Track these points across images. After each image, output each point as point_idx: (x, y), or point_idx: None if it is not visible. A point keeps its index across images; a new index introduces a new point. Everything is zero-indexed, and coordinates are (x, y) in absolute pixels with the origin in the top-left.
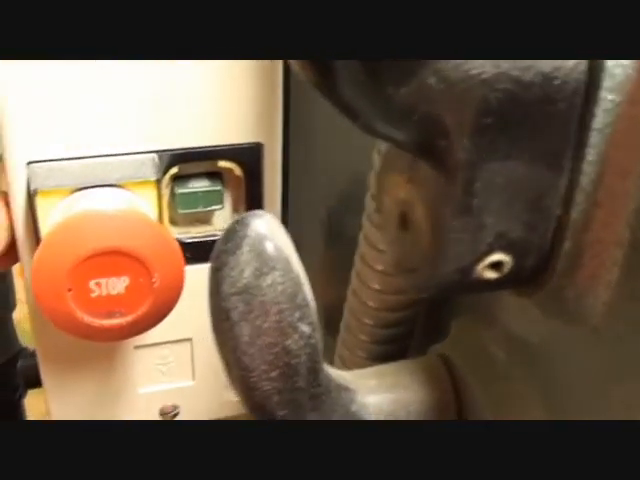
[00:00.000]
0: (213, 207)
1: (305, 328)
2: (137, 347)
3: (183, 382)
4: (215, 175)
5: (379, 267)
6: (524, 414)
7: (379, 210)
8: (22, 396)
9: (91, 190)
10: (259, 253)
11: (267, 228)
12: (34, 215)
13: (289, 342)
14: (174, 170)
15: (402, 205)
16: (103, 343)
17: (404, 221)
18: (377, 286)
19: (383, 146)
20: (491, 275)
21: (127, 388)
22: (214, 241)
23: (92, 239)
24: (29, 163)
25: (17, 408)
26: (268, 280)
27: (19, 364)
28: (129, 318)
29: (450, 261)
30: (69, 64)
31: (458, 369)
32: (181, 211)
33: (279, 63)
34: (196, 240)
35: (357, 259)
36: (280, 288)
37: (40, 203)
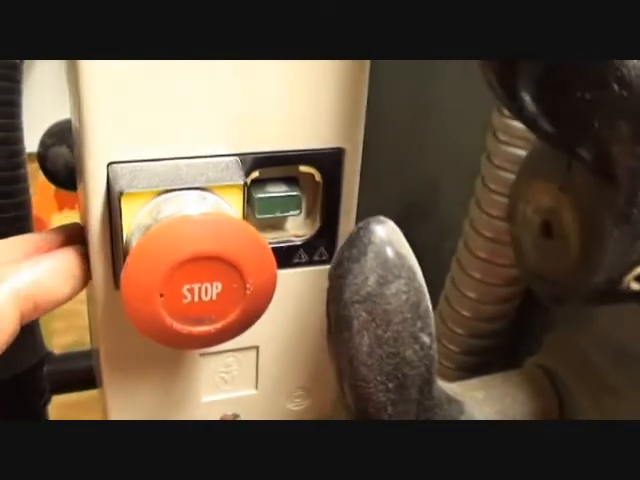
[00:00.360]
0: (291, 213)
1: (426, 339)
2: (203, 354)
3: (246, 391)
4: (291, 180)
5: (477, 275)
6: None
7: (511, 218)
8: (47, 402)
9: (178, 193)
10: (384, 260)
11: (391, 235)
12: (117, 217)
13: (409, 352)
14: (255, 174)
15: (546, 213)
16: (169, 350)
17: (546, 230)
18: (474, 295)
19: (504, 150)
20: (636, 287)
21: (190, 396)
22: (288, 247)
23: (188, 244)
24: (110, 164)
25: (41, 414)
26: (392, 288)
27: (45, 369)
28: (218, 325)
29: (603, 271)
30: (152, 63)
31: (562, 381)
32: (259, 216)
33: (366, 67)
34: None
35: (454, 266)
36: (404, 297)
37: (126, 205)
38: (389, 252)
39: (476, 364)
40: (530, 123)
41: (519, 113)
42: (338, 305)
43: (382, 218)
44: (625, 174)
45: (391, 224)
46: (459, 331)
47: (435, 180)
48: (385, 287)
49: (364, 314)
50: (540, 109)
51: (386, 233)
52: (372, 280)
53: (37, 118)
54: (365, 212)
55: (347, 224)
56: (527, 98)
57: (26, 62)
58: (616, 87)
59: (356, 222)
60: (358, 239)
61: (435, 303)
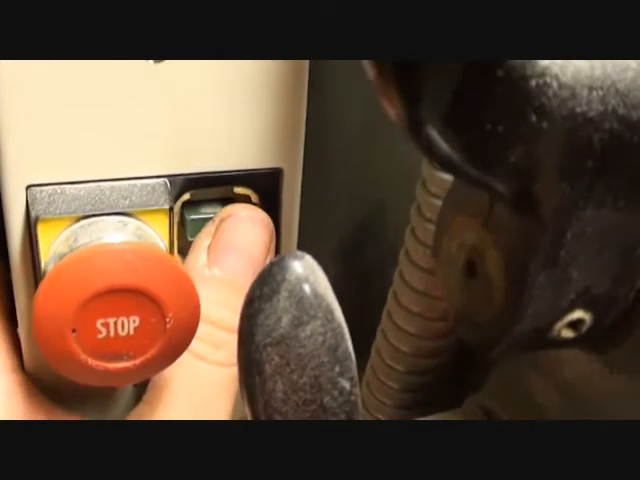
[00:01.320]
0: None
1: (345, 384)
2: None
3: None
4: (227, 201)
5: (415, 309)
6: None
7: (436, 253)
8: None
9: (97, 219)
10: (299, 300)
11: (308, 271)
12: (35, 245)
13: (328, 399)
14: (186, 196)
15: (470, 251)
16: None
17: (471, 268)
18: (412, 329)
19: (435, 178)
20: (568, 334)
21: None
22: None
23: (101, 275)
24: (29, 187)
25: None
26: (307, 330)
27: None
28: (137, 361)
29: (528, 319)
30: (73, 76)
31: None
32: (192, 239)
33: (304, 81)
34: None
35: (390, 299)
36: (320, 339)
37: (42, 232)
38: (305, 290)
39: (416, 401)
40: (441, 161)
41: (428, 151)
42: (249, 348)
43: (299, 253)
44: (550, 214)
45: (308, 259)
46: (397, 367)
47: (383, 202)
48: (300, 329)
49: (277, 358)
50: (449, 144)
51: (302, 269)
52: (285, 321)
53: None
54: (313, 233)
55: (287, 248)
56: (433, 133)
57: None
58: (534, 118)
59: (301, 244)
60: (271, 276)
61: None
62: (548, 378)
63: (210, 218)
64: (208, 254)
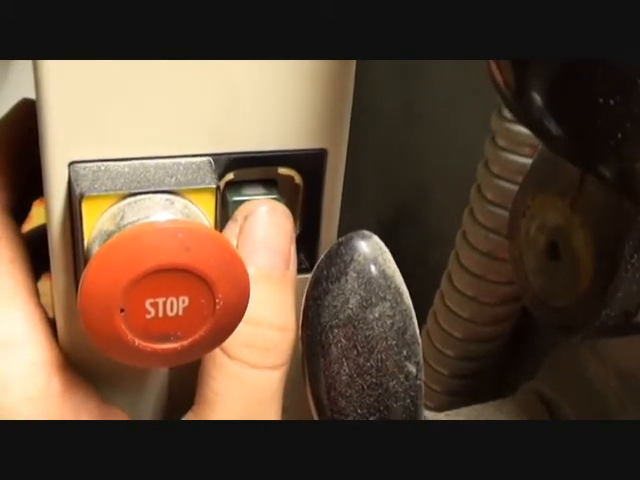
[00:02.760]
0: None
1: (412, 368)
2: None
3: None
4: (269, 182)
5: (470, 293)
6: None
7: (512, 235)
8: None
9: (144, 197)
10: (367, 280)
11: (376, 252)
12: (78, 222)
13: (394, 383)
14: (230, 176)
15: (553, 232)
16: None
17: (553, 250)
18: (466, 314)
19: (500, 158)
20: None
21: (159, 417)
22: None
23: (151, 254)
24: (71, 163)
25: None
26: (376, 312)
27: None
28: (185, 342)
29: (617, 302)
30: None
31: (560, 409)
32: None
33: (352, 63)
34: None
35: (444, 282)
36: (389, 322)
37: (87, 209)
38: (373, 271)
39: (466, 388)
40: (538, 128)
41: (525, 115)
42: (314, 329)
43: (366, 232)
44: None
45: (376, 239)
46: (448, 352)
47: (425, 185)
48: (368, 310)
49: (344, 340)
50: (552, 112)
51: (370, 250)
52: (353, 302)
53: None
54: (349, 217)
55: (329, 230)
56: (537, 98)
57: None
58: None
59: (338, 229)
60: (338, 256)
61: (421, 319)
62: (609, 365)
63: (254, 200)
64: None
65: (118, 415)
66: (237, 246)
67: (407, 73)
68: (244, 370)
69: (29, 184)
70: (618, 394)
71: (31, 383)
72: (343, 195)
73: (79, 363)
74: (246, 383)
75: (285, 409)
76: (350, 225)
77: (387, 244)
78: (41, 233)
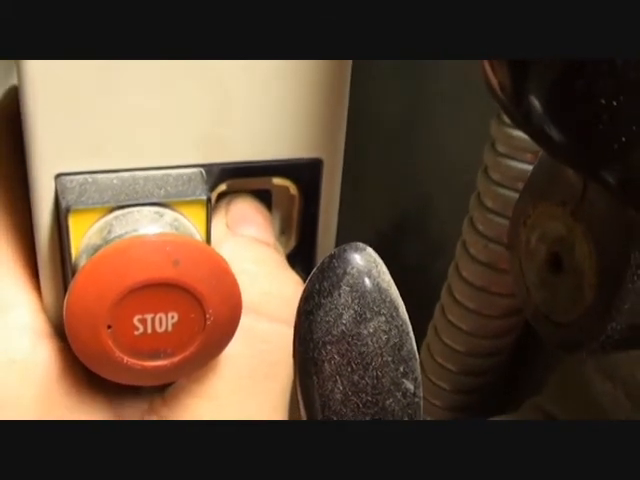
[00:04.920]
0: None
1: (410, 385)
2: None
3: None
4: (263, 193)
5: (471, 305)
6: None
7: (512, 245)
8: None
9: (132, 209)
10: (361, 295)
11: (370, 264)
12: (65, 236)
13: (390, 401)
14: (222, 187)
15: (554, 243)
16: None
17: (555, 262)
18: (467, 327)
19: (500, 165)
20: None
21: None
22: None
23: (139, 268)
24: (58, 176)
25: None
26: (370, 327)
27: None
28: (175, 359)
29: (623, 315)
30: (105, 62)
31: None
32: None
33: (347, 69)
34: None
35: (445, 294)
36: (384, 337)
37: (73, 223)
38: (367, 284)
39: (468, 403)
40: (537, 134)
41: (524, 121)
42: (307, 346)
43: (360, 245)
44: None
45: (370, 251)
46: (449, 367)
47: (426, 195)
48: (362, 326)
49: (337, 357)
50: (551, 116)
51: (364, 262)
52: (347, 317)
53: None
54: (348, 229)
55: (326, 242)
56: (535, 101)
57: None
58: None
59: (337, 240)
60: (331, 269)
61: (423, 332)
62: (617, 382)
63: None
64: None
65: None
66: (227, 224)
67: (407, 82)
68: (258, 324)
69: None
70: (628, 415)
71: (15, 346)
72: (342, 206)
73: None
74: (260, 340)
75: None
76: (349, 237)
77: (387, 255)
78: None
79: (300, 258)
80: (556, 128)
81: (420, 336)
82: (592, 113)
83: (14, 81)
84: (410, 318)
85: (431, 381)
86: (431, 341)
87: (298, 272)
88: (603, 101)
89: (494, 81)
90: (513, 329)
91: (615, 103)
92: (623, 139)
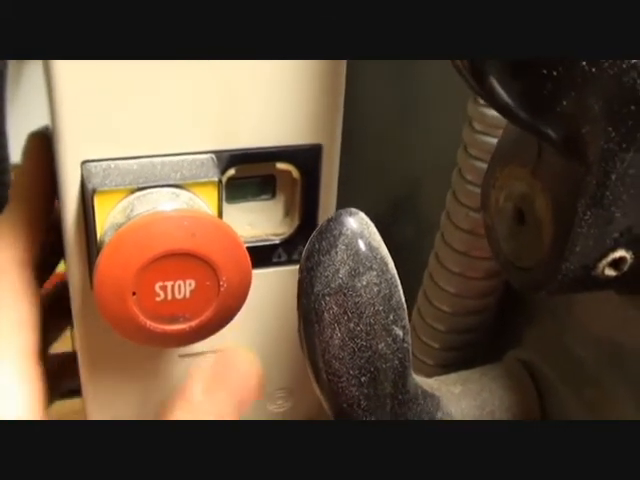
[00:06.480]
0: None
1: (399, 331)
2: (182, 356)
3: None
4: (266, 178)
5: (456, 269)
6: (618, 416)
7: (485, 206)
8: None
9: (152, 190)
10: (355, 252)
11: (363, 226)
12: (91, 216)
13: (382, 345)
14: (231, 172)
15: (519, 199)
16: (148, 350)
17: (519, 216)
18: (453, 289)
19: (476, 141)
20: (610, 273)
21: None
22: (267, 246)
23: (160, 241)
24: (84, 162)
25: None
26: (364, 281)
27: None
28: (193, 323)
29: (576, 257)
30: (126, 61)
31: (543, 374)
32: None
33: (343, 65)
34: (248, 245)
35: (432, 261)
36: (376, 289)
37: (98, 204)
38: (360, 244)
39: (457, 360)
40: (501, 107)
41: (490, 98)
42: (308, 298)
43: (353, 210)
44: (596, 156)
45: (362, 215)
46: (439, 327)
47: (417, 179)
48: (356, 279)
49: (335, 307)
50: (508, 90)
51: (357, 225)
52: (343, 272)
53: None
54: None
55: None
56: (495, 81)
57: (13, 71)
58: (584, 64)
59: None
60: (328, 231)
61: (414, 300)
62: (585, 331)
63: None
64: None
65: None
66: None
67: (400, 71)
68: None
69: (56, 242)
70: (595, 359)
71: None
72: (339, 191)
73: (96, 353)
74: None
75: (290, 392)
76: None
77: (382, 236)
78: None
79: (303, 237)
80: (512, 99)
81: (411, 304)
82: (537, 81)
83: (26, 75)
84: (403, 289)
85: (422, 341)
86: (421, 305)
87: (301, 250)
88: (545, 71)
89: (459, 65)
90: (495, 290)
91: (555, 73)
92: (564, 102)
